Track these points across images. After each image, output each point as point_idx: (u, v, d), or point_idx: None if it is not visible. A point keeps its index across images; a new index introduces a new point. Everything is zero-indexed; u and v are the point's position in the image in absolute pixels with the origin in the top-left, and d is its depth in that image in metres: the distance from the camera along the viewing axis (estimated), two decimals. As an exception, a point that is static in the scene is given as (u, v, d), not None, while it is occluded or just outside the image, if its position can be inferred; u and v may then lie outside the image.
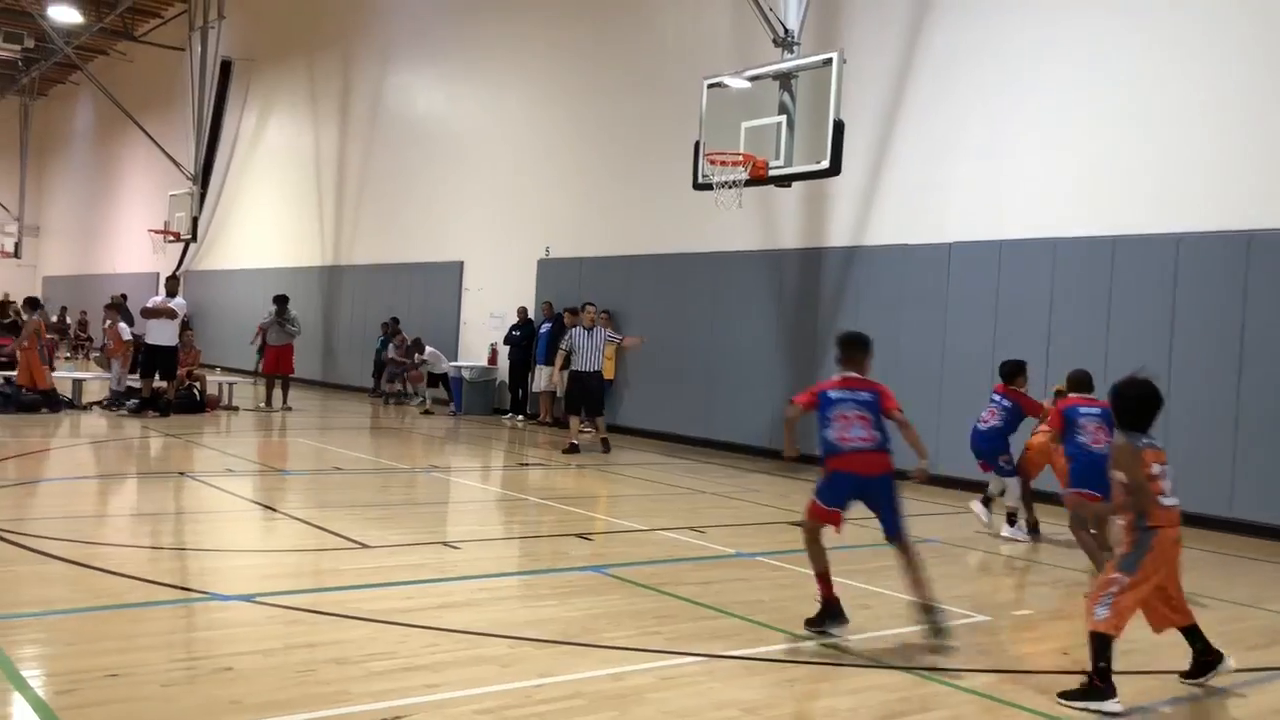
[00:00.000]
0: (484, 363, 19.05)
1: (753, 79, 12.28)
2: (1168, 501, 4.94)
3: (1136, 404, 5.09)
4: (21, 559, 6.51)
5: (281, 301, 18.56)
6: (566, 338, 14.26)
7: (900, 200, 13.01)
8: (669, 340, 15.72)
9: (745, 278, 14.73)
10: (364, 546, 7.44)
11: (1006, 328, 11.72)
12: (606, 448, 13.99)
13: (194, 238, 28.04)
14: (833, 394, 5.96)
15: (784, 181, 12.27)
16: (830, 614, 5.68)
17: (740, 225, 14.28)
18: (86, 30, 29.86)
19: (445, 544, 7.75)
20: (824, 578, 5.78)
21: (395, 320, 20.43)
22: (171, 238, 28.26)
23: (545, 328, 17.32)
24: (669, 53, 16.06)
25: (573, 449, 13.74)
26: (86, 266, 37.90)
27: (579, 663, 5.01)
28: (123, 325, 16.84)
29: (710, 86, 12.60)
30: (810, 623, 5.71)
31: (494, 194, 19.56)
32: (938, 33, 12.74)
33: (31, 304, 17.14)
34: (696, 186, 12.65)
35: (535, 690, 4.54)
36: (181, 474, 10.64)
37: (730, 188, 11.93)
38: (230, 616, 5.56)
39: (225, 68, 27.97)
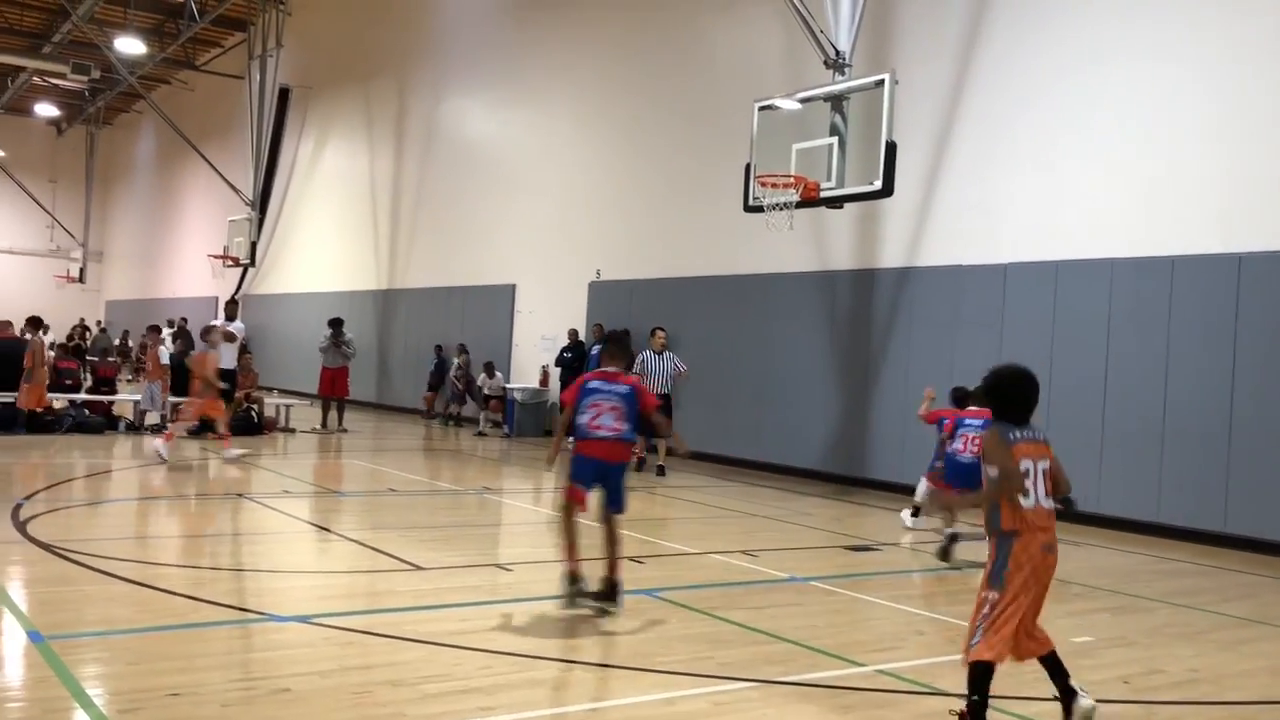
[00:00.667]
0: (535, 384, 19.16)
1: (804, 101, 12.29)
2: (1026, 503, 4.46)
3: (1009, 394, 4.69)
4: (86, 579, 6.64)
5: (336, 325, 18.83)
6: (639, 361, 14.26)
7: (954, 220, 12.92)
8: (720, 362, 15.71)
9: (797, 299, 14.69)
10: (418, 568, 7.49)
11: (1063, 349, 11.56)
12: (662, 472, 13.97)
13: (252, 262, 28.56)
14: (592, 384, 6.59)
15: (836, 203, 12.25)
16: (602, 591, 6.35)
17: (792, 247, 14.25)
18: (150, 60, 30.62)
19: (498, 566, 7.79)
20: (572, 549, 6.48)
21: (463, 346, 20.45)
22: (230, 262, 28.81)
23: (596, 349, 17.38)
24: (719, 76, 16.11)
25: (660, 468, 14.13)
26: (148, 291, 38.71)
27: (631, 687, 5.01)
28: (162, 349, 17.07)
29: (761, 109, 12.62)
30: (593, 596, 6.36)
31: (545, 217, 19.71)
32: (990, 51, 12.67)
33: (34, 324, 17.01)
34: (748, 208, 12.65)
35: (589, 714, 4.55)
36: (240, 495, 10.81)
37: (781, 209, 11.92)
38: (287, 638, 5.62)
39: (283, 95, 28.51)
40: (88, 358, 22.78)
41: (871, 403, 13.65)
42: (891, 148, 11.21)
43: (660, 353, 14.43)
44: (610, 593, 6.36)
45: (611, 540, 6.54)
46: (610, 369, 6.68)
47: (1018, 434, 4.56)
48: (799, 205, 11.94)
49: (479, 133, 22.01)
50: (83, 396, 16.75)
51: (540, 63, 20.18)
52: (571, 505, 6.55)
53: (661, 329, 14.87)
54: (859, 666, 5.51)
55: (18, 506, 9.02)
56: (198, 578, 6.99)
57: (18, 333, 18.12)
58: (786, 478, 14.16)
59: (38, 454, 13.21)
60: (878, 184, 11.33)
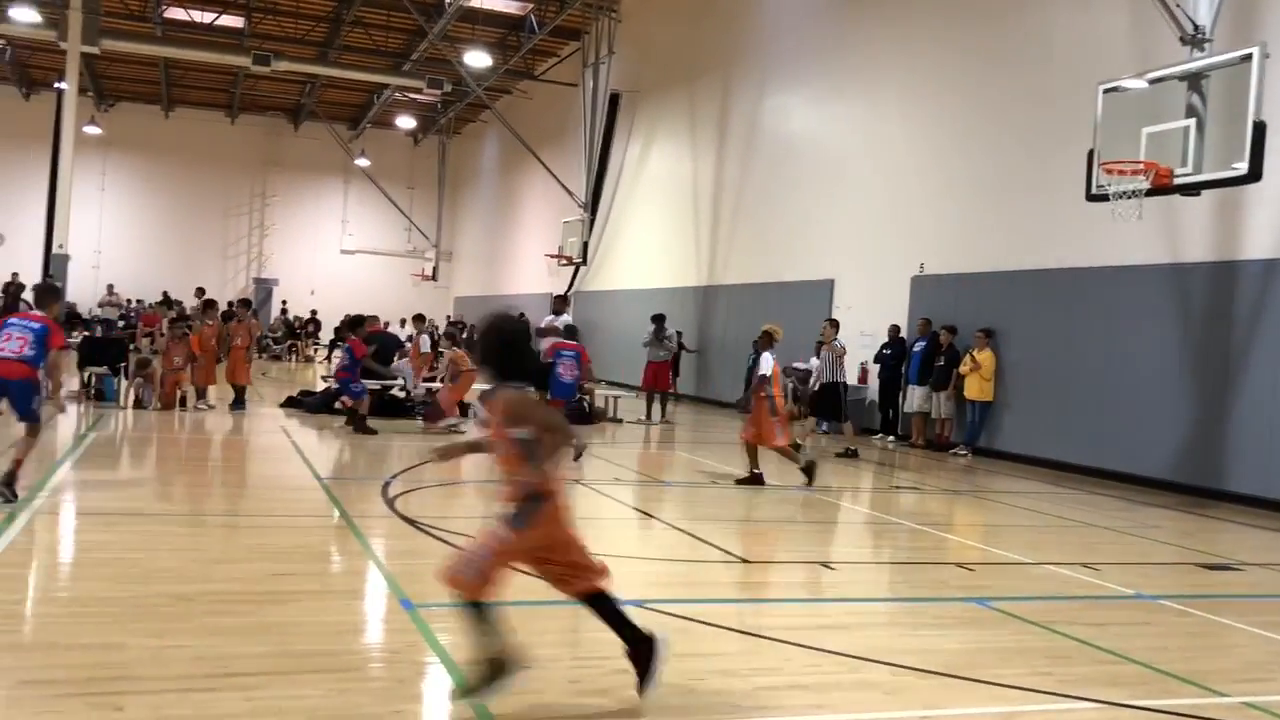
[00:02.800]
0: (854, 381, 18.93)
1: (1155, 81, 11.40)
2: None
3: (506, 348, 4.28)
4: (443, 552, 7.25)
5: (659, 321, 19.47)
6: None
7: (1334, 207, 11.54)
8: (1055, 361, 14.88)
9: (1143, 294, 13.65)
10: (742, 561, 7.64)
11: None
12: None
13: (584, 261, 30.10)
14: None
15: (1192, 190, 11.28)
16: None
17: (1138, 237, 13.25)
18: (494, 73, 32.93)
19: (822, 564, 7.79)
20: None
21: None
22: (564, 261, 30.52)
23: (919, 346, 16.95)
24: (1058, 59, 15.23)
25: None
26: (491, 288, 41.68)
27: (966, 697, 4.87)
28: (424, 338, 18.54)
29: (1106, 92, 11.83)
30: None
31: (867, 211, 19.43)
32: (1384, 15, 11.21)
33: (244, 304, 18.70)
34: (1090, 197, 11.91)
35: (921, 722, 4.47)
36: (575, 482, 11.44)
37: (1129, 198, 11.13)
38: (624, 620, 5.90)
39: (614, 100, 29.80)
40: (439, 350, 24.84)
41: (1231, 408, 12.45)
42: (1260, 128, 10.20)
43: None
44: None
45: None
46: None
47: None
48: (1149, 193, 11.11)
49: (801, 128, 22.01)
50: (436, 385, 18.28)
51: (866, 55, 19.90)
52: None
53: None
54: (1221, 696, 5.07)
55: (387, 484, 10.02)
56: (541, 558, 7.46)
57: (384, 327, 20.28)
58: (1130, 487, 13.20)
59: (400, 438, 14.57)
60: (1242, 168, 10.34)
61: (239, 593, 5.92)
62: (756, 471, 11.49)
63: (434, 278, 45.38)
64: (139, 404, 15.52)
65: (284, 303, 41.21)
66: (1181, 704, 4.94)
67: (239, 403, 16.19)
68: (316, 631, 5.27)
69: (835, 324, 16.12)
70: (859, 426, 18.44)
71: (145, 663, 4.62)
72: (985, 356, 15.68)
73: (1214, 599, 7.36)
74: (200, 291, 27.76)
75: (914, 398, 16.97)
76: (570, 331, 17.21)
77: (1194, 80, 11.00)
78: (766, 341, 12.00)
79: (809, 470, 11.58)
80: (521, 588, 6.39)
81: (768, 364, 11.63)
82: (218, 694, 4.30)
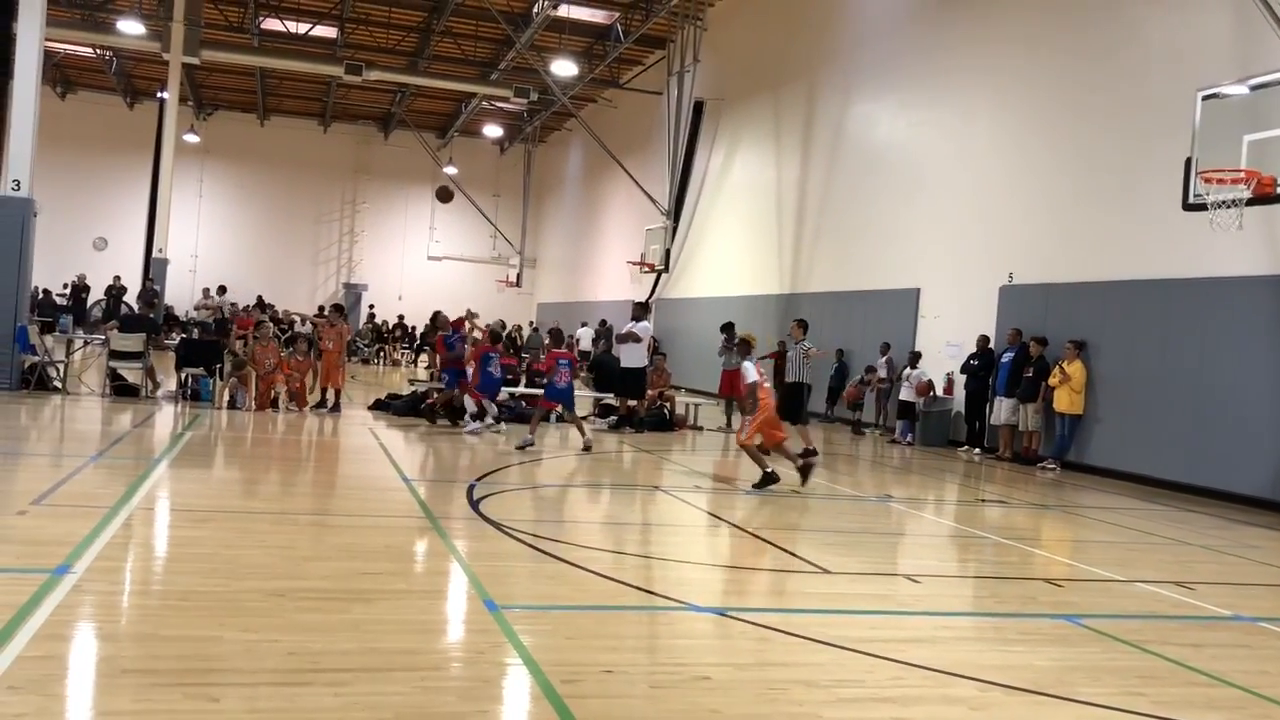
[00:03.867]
0: (940, 393, 18.66)
1: (1257, 87, 11.06)
2: None
3: None
4: (526, 555, 7.35)
5: (729, 329, 19.41)
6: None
7: None
8: (1147, 373, 14.49)
9: (1243, 305, 13.23)
10: (825, 571, 7.58)
11: None
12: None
13: (666, 268, 30.15)
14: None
15: (1295, 200, 10.92)
16: None
17: (1238, 247, 12.85)
18: (579, 81, 33.20)
19: (905, 576, 7.70)
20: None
21: (886, 345, 20.31)
22: (647, 268, 30.61)
23: (1007, 356, 16.64)
24: (1154, 64, 14.86)
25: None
26: (574, 294, 41.99)
27: (1053, 715, 4.77)
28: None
29: (1205, 98, 11.52)
30: None
31: (954, 220, 19.15)
32: None
33: (337, 310, 18.68)
34: (1187, 207, 11.61)
35: (1007, 738, 4.39)
36: (656, 488, 11.47)
37: (1229, 207, 10.82)
38: (704, 628, 5.91)
39: (698, 108, 29.83)
40: (522, 355, 25.12)
41: None
42: (1369, 135, 9.82)
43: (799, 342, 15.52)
44: None
45: None
46: None
47: None
48: (1250, 202, 10.78)
49: (887, 136, 21.79)
50: (520, 390, 18.49)
51: (953, 60, 19.63)
52: None
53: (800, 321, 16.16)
54: (1324, 724, 4.90)
55: (471, 486, 10.16)
56: (621, 562, 7.51)
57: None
58: (1226, 504, 12.80)
59: (485, 440, 14.75)
60: (1350, 176, 9.97)
61: (328, 590, 6.05)
62: (769, 471, 11.40)
63: (518, 284, 45.86)
64: (233, 404, 15.96)
65: (371, 307, 42.03)
66: (1282, 730, 4.78)
67: (335, 406, 16.58)
68: (402, 630, 5.37)
69: (804, 324, 16.09)
70: (945, 438, 18.19)
71: (239, 656, 4.75)
72: (1075, 368, 15.34)
73: (1317, 623, 7.09)
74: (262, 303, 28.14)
75: (1002, 409, 16.66)
76: (631, 338, 17.25)
77: (1299, 86, 10.66)
78: (745, 349, 12.71)
79: (778, 474, 11.56)
80: (603, 593, 6.44)
81: (752, 371, 11.80)
82: (308, 688, 4.41)
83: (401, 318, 39.17)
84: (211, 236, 43.51)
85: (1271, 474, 12.67)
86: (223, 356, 16.78)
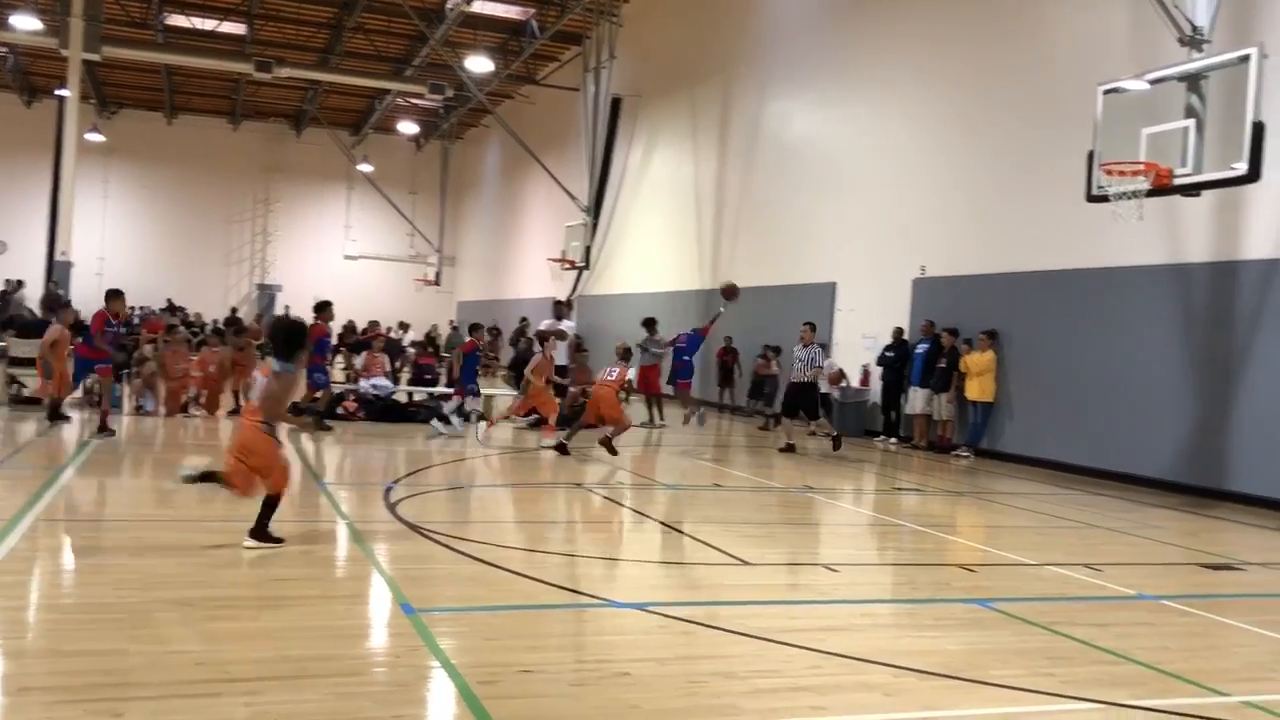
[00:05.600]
0: (856, 384, 18.93)
1: (1154, 82, 11.40)
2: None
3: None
4: (444, 557, 7.28)
5: (649, 324, 19.49)
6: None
7: (1335, 206, 11.54)
8: (1055, 362, 14.88)
9: (1144, 294, 13.65)
10: (744, 563, 7.64)
11: None
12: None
13: (587, 265, 30.11)
14: None
15: (1192, 190, 11.28)
16: None
17: (1139, 238, 13.25)
18: (495, 77, 32.96)
19: (824, 566, 7.79)
20: None
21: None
22: (567, 265, 30.54)
23: (922, 347, 16.94)
24: (1058, 60, 15.24)
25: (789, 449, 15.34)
26: (494, 293, 41.72)
27: (965, 699, 4.87)
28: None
29: (1106, 93, 11.84)
30: None
31: (868, 214, 19.44)
32: (1384, 14, 11.21)
33: (113, 293, 17.36)
34: (1090, 198, 11.92)
35: (921, 723, 4.47)
36: (577, 485, 11.45)
37: (1130, 199, 11.13)
38: (624, 624, 5.91)
39: (615, 105, 29.81)
40: (442, 355, 24.89)
41: (1232, 407, 12.45)
42: (1259, 129, 10.20)
43: (807, 346, 15.90)
44: None
45: None
46: None
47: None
48: (1149, 194, 11.12)
49: (802, 131, 22.02)
50: (440, 390, 18.32)
51: (866, 58, 19.92)
52: None
53: (807, 323, 16.30)
54: (1222, 696, 5.07)
55: (388, 489, 10.04)
56: (540, 561, 7.48)
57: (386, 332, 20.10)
58: (1132, 487, 13.19)
59: (402, 441, 14.59)
60: (1242, 168, 10.35)
61: (240, 598, 5.93)
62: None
63: (437, 283, 45.41)
64: (140, 410, 15.53)
65: (287, 308, 41.27)
66: (1182, 704, 4.94)
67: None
68: (317, 636, 5.28)
69: (813, 327, 16.44)
70: (862, 429, 18.46)
71: (146, 669, 4.63)
72: (986, 358, 15.68)
73: (1216, 599, 7.35)
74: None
75: (916, 400, 16.96)
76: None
77: (1193, 81, 11.01)
78: (624, 353, 14.78)
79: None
80: (522, 593, 6.41)
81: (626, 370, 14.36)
82: (218, 699, 4.30)
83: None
84: (118, 238, 42.29)
85: (1173, 456, 13.10)
86: (129, 362, 16.32)
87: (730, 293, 14.78)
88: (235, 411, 16.31)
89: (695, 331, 20.03)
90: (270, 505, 7.13)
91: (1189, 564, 8.64)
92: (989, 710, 4.69)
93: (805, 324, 16.28)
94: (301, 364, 7.25)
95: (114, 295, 14.03)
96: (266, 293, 44.08)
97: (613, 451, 13.68)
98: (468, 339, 16.78)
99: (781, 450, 15.38)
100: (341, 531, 8.18)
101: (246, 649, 4.96)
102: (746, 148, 24.00)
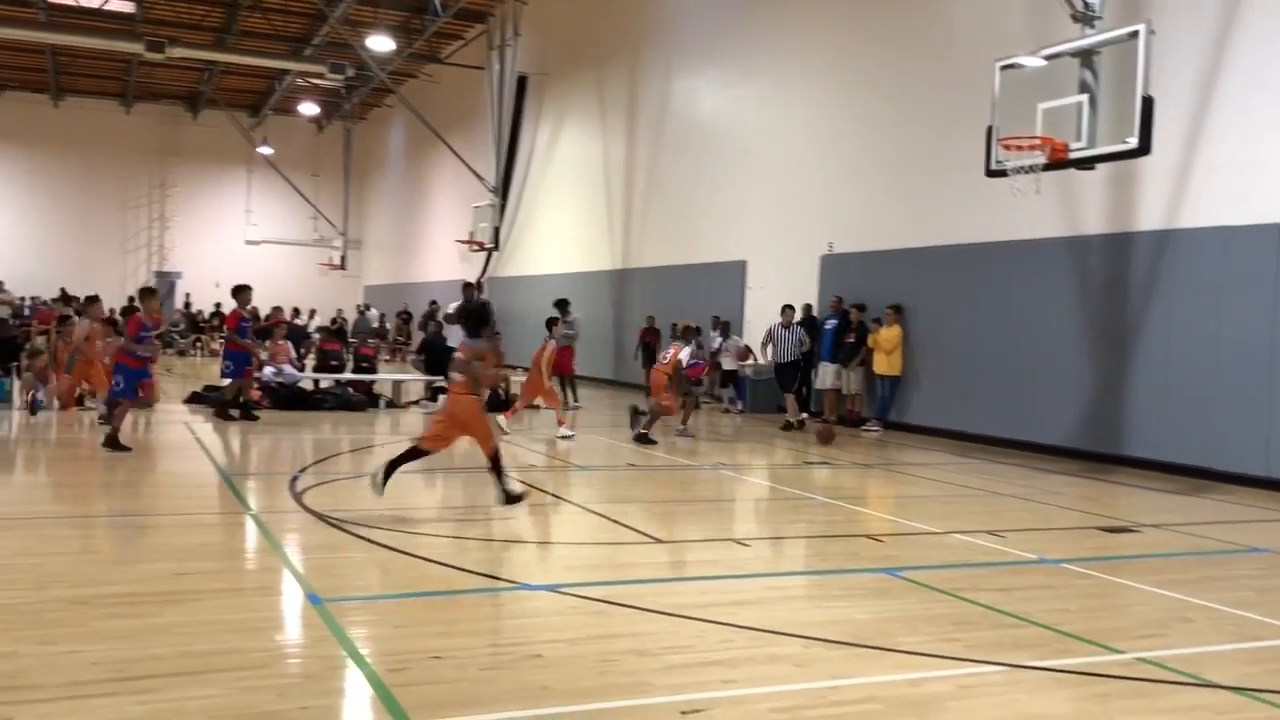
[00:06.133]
0: (766, 360, 19.07)
1: (1050, 58, 11.65)
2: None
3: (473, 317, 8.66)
4: (353, 546, 7.16)
5: (562, 306, 19.39)
6: (766, 333, 16.87)
7: (1220, 179, 11.95)
8: (960, 334, 15.20)
9: (1044, 266, 14.00)
10: (658, 541, 7.66)
11: (1351, 315, 10.52)
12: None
13: (496, 246, 29.83)
14: None
15: (1087, 164, 11.56)
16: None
17: (1038, 211, 13.58)
18: (398, 56, 32.36)
19: (736, 541, 7.85)
20: None
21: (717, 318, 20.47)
22: (476, 247, 30.22)
23: (831, 323, 17.15)
24: (957, 37, 15.51)
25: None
26: (402, 275, 41.12)
27: (873, 666, 4.95)
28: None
29: (1003, 69, 12.06)
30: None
31: (777, 192, 19.59)
32: (1262, -8, 11.61)
33: (90, 301, 16.84)
34: (989, 173, 12.15)
35: (830, 691, 4.53)
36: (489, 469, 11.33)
37: (1027, 173, 11.38)
38: (537, 606, 5.88)
39: (521, 83, 29.54)
40: (349, 340, 24.46)
41: (1127, 375, 12.86)
42: (1148, 103, 10.48)
43: (789, 326, 16.41)
44: None
45: None
46: None
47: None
48: (1046, 168, 11.37)
49: (710, 111, 22.08)
50: (347, 376, 18.01)
51: (773, 36, 20.02)
52: None
53: (790, 306, 16.82)
54: (1117, 654, 5.24)
55: (294, 478, 9.83)
56: (452, 547, 7.40)
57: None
58: (1032, 455, 13.56)
59: (308, 429, 14.31)
60: (1133, 142, 10.62)
61: (139, 594, 5.75)
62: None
63: (342, 266, 44.57)
64: (34, 404, 14.97)
65: (188, 295, 40.16)
66: (1080, 663, 5.09)
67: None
68: (220, 630, 5.14)
69: (791, 308, 16.94)
70: (775, 405, 18.62)
71: (37, 671, 4.45)
72: (894, 333, 15.95)
73: (1113, 560, 7.59)
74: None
75: (826, 375, 17.18)
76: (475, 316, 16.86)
77: (1086, 57, 11.26)
78: (685, 332, 14.71)
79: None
80: (433, 579, 6.33)
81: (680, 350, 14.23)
82: (114, 699, 4.16)
83: (219, 305, 37.52)
84: (6, 227, 40.67)
85: (1072, 424, 13.49)
86: (19, 354, 15.71)
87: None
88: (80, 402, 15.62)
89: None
90: (497, 467, 8.41)
91: (1088, 528, 8.91)
92: (896, 676, 4.77)
93: (785, 306, 16.81)
94: (487, 337, 8.85)
95: None
96: (166, 280, 42.76)
97: (649, 441, 13.71)
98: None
99: (784, 429, 16.04)
100: (247, 523, 7.98)
101: (145, 646, 4.81)
102: (655, 126, 23.98)
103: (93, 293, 18.26)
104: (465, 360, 8.42)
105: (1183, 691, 4.74)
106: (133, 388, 11.43)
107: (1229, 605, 6.24)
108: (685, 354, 14.12)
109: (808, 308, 17.92)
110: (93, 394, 15.64)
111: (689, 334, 14.72)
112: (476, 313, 9.09)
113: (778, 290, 19.29)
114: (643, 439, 13.69)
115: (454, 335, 17.22)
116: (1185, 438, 12.14)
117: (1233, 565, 7.56)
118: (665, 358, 14.25)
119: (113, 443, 11.11)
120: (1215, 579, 7.04)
